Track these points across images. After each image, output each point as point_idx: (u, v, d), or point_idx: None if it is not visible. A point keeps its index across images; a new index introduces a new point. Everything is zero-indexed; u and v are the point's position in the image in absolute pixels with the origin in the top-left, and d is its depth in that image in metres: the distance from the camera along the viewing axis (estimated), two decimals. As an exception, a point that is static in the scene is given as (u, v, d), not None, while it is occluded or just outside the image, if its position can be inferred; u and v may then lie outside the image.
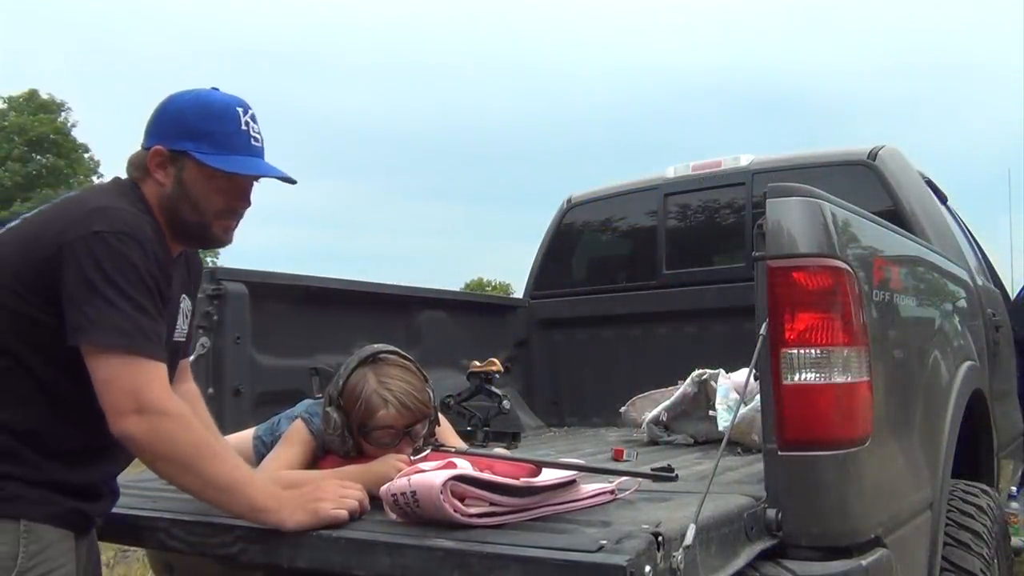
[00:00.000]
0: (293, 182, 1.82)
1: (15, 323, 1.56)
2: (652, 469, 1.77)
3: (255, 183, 1.80)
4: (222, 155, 1.71)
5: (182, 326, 1.84)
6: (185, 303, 1.85)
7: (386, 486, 1.58)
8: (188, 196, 1.72)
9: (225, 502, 1.60)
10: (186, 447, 1.54)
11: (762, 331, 1.71)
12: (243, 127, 1.74)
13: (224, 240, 1.80)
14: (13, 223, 1.71)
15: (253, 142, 1.76)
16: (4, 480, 1.53)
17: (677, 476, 1.72)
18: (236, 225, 1.81)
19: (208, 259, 13.54)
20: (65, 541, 1.60)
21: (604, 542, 1.31)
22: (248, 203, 1.80)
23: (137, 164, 1.75)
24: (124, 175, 1.78)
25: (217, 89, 1.79)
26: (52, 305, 1.54)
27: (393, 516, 1.57)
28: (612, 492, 1.71)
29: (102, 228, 1.55)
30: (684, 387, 3.04)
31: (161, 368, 1.56)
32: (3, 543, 1.51)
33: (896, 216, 3.21)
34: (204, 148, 1.70)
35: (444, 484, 1.47)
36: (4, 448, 1.54)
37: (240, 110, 1.75)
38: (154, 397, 1.52)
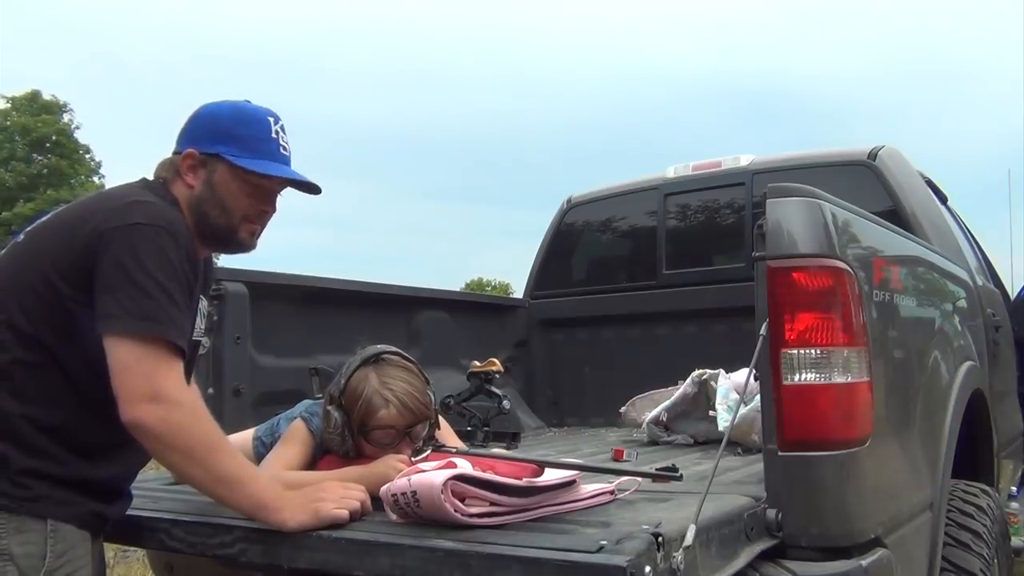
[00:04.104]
0: (318, 191, 1.86)
1: (50, 314, 1.57)
2: (657, 469, 1.77)
3: (280, 192, 1.84)
4: (252, 159, 1.75)
5: (200, 325, 1.86)
6: (202, 303, 1.86)
7: (386, 486, 1.58)
8: (217, 198, 1.76)
9: (229, 497, 1.60)
10: (196, 439, 1.54)
11: (762, 331, 1.71)
12: (273, 135, 1.80)
13: (249, 245, 1.84)
14: (44, 217, 1.73)
15: (282, 151, 1.82)
16: (33, 478, 1.53)
17: (682, 476, 1.72)
18: (261, 231, 1.85)
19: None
20: (86, 542, 1.61)
21: (604, 542, 1.31)
22: (274, 209, 1.84)
23: (168, 167, 1.79)
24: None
25: (249, 102, 1.84)
26: (86, 294, 1.55)
27: (393, 517, 1.57)
28: (612, 492, 1.71)
29: (140, 220, 1.58)
30: (684, 387, 3.04)
31: (180, 360, 1.57)
32: (32, 542, 1.51)
33: (896, 216, 3.21)
34: (235, 152, 1.75)
35: (445, 484, 1.47)
36: (34, 445, 1.54)
37: (271, 119, 1.81)
38: (170, 386, 1.52)
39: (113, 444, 1.64)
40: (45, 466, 1.54)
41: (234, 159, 1.74)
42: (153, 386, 1.51)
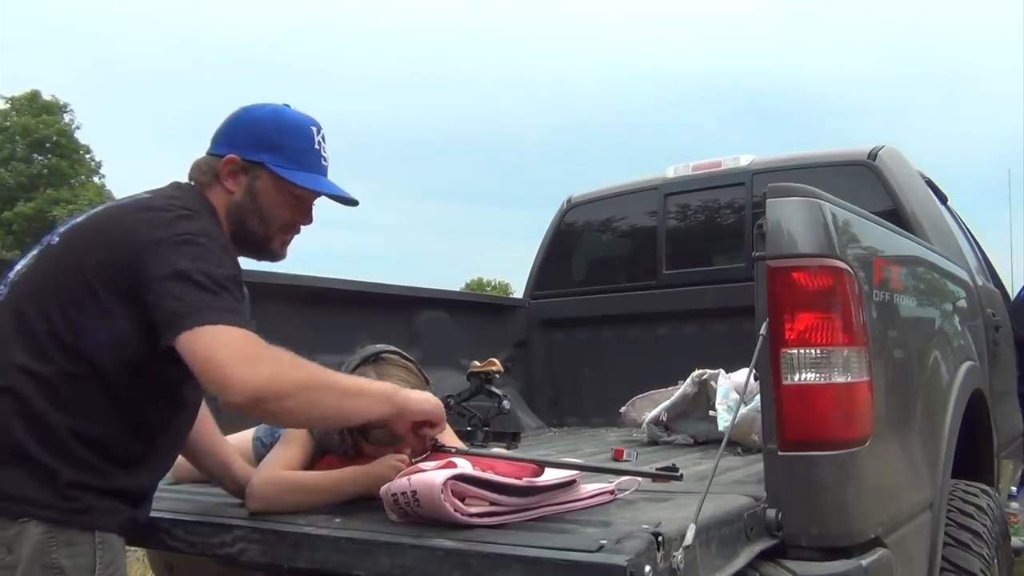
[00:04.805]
0: (356, 204, 1.86)
1: (93, 325, 1.54)
2: (657, 469, 1.77)
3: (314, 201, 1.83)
4: (296, 170, 1.75)
5: None
6: None
7: (386, 486, 1.58)
8: (257, 207, 1.75)
9: (364, 405, 1.61)
10: (306, 377, 1.53)
11: (762, 331, 1.71)
12: (315, 146, 1.79)
13: (280, 255, 1.84)
14: (79, 219, 1.69)
15: (323, 161, 1.81)
16: (80, 490, 1.51)
17: (682, 476, 1.72)
18: (291, 240, 1.84)
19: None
20: (123, 549, 1.61)
21: (604, 542, 1.31)
22: (311, 220, 1.84)
23: (205, 170, 1.76)
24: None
25: (289, 106, 1.83)
26: (130, 306, 1.53)
27: (393, 516, 1.57)
28: (612, 492, 1.71)
29: (190, 231, 1.56)
30: (684, 387, 3.04)
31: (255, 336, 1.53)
32: (81, 555, 1.50)
33: (896, 216, 3.21)
34: (280, 162, 1.74)
35: (445, 483, 1.48)
36: (78, 457, 1.52)
37: (313, 128, 1.80)
38: (258, 349, 1.48)
39: (147, 453, 1.64)
40: (89, 478, 1.53)
41: (279, 170, 1.73)
42: (244, 356, 1.46)
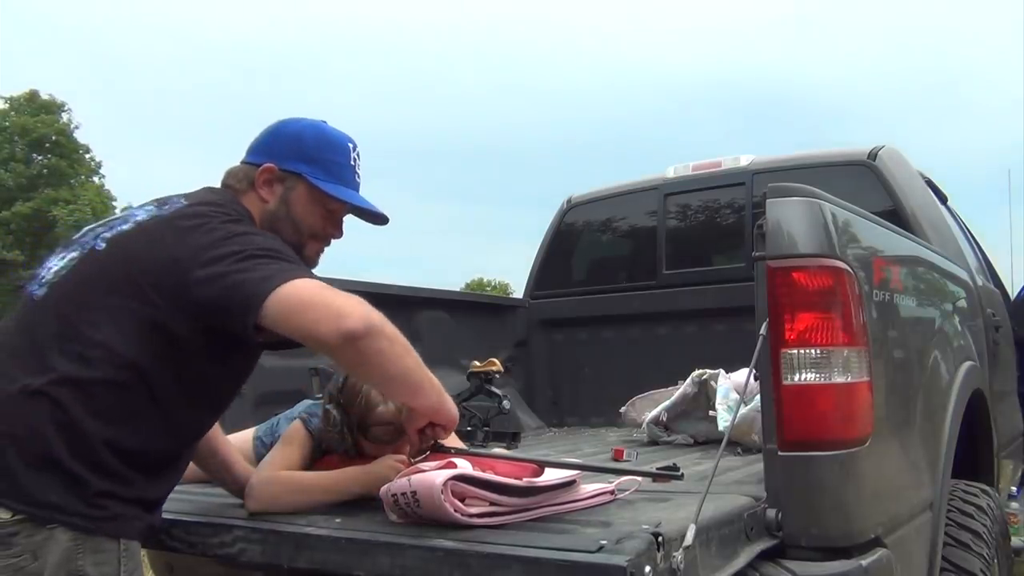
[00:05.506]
0: (386, 221, 1.89)
1: (141, 331, 1.53)
2: (658, 468, 1.77)
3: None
4: (334, 184, 1.78)
5: None
6: None
7: (386, 486, 1.58)
8: (291, 216, 1.77)
9: (428, 384, 1.60)
10: (397, 330, 1.54)
11: (762, 331, 1.71)
12: (351, 162, 1.83)
13: (313, 263, 1.85)
14: (125, 226, 1.66)
15: (356, 178, 1.84)
16: (107, 499, 1.50)
17: (683, 475, 1.72)
18: (323, 250, 1.86)
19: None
20: (141, 556, 1.61)
21: (604, 542, 1.31)
22: (341, 233, 1.86)
23: (241, 177, 1.79)
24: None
25: (326, 123, 1.86)
26: (190, 310, 1.52)
27: (393, 517, 1.57)
28: (612, 492, 1.71)
29: (242, 231, 1.59)
30: (684, 387, 3.04)
31: None
32: (106, 563, 1.49)
33: (896, 216, 3.21)
34: (317, 173, 1.77)
35: (445, 484, 1.48)
36: (109, 468, 1.50)
37: (350, 145, 1.84)
38: (350, 295, 1.50)
39: (177, 457, 1.64)
40: (117, 487, 1.52)
41: (316, 182, 1.76)
42: (345, 296, 1.48)
